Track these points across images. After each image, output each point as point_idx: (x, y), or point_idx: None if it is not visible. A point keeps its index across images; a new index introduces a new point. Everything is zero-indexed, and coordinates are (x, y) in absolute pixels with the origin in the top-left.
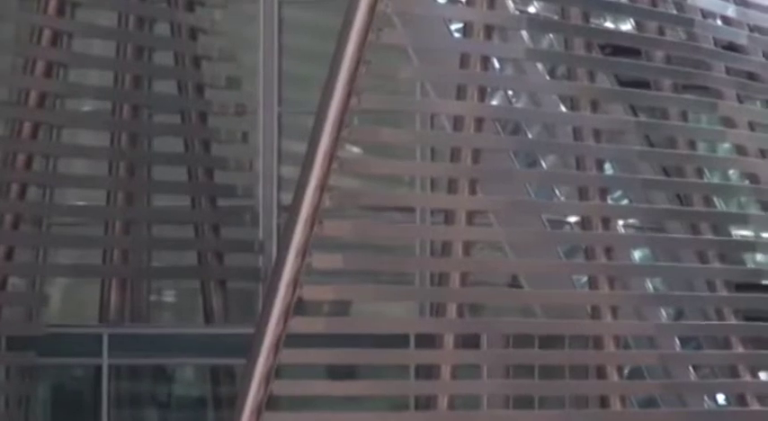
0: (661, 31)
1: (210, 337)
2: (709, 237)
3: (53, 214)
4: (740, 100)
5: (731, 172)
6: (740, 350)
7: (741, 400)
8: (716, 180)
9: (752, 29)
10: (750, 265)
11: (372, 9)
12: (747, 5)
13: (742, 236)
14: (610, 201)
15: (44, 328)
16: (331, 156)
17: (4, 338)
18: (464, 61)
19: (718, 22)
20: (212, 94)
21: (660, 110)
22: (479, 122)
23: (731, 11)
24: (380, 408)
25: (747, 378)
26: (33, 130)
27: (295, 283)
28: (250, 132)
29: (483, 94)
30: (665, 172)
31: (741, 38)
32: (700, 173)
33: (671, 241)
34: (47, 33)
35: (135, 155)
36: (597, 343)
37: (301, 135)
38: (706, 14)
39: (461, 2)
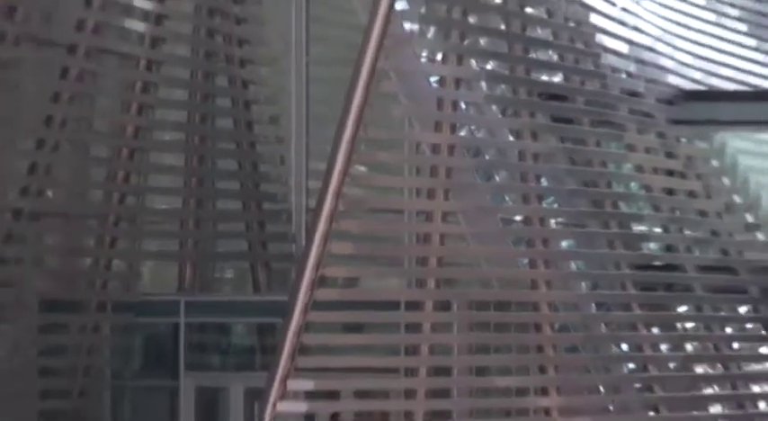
0: (582, 82)
1: (257, 303)
2: (616, 231)
3: (144, 215)
4: (639, 132)
5: (632, 184)
6: (638, 312)
7: (639, 349)
8: (621, 190)
9: (648, 81)
10: (645, 251)
11: (374, 66)
12: (644, 64)
13: (639, 230)
14: (545, 205)
15: (139, 295)
16: (344, 173)
17: (110, 304)
18: (440, 103)
19: (624, 75)
20: (259, 128)
21: (581, 139)
22: (451, 148)
23: (633, 67)
24: (380, 354)
25: (644, 332)
26: (130, 154)
27: (318, 264)
28: (286, 155)
29: (453, 128)
30: (585, 184)
31: (639, 87)
32: (609, 185)
33: (589, 234)
34: (139, 84)
35: (203, 171)
36: (536, 307)
37: (323, 157)
38: (615, 70)
39: (438, 60)
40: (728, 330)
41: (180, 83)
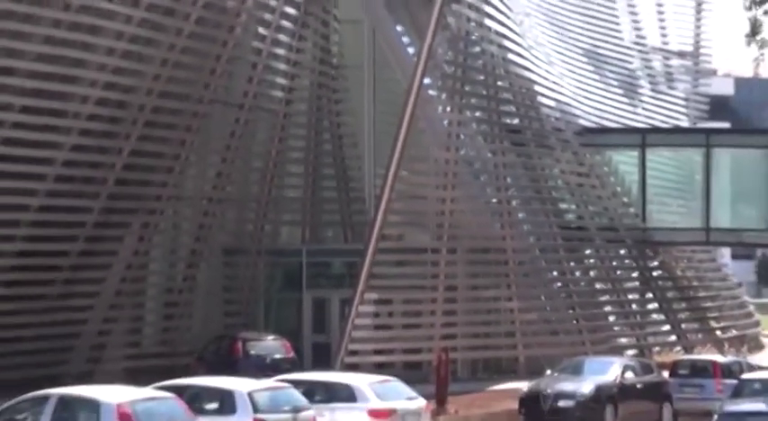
0: (529, 122)
1: (347, 249)
2: (549, 207)
3: (281, 202)
4: (562, 151)
5: (559, 181)
6: (562, 253)
7: (563, 273)
8: (552, 184)
9: (566, 122)
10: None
11: (413, 115)
12: (564, 112)
13: (563, 206)
14: (509, 193)
15: (280, 245)
16: (395, 175)
17: (263, 251)
18: (449, 135)
19: (553, 119)
20: (347, 151)
21: (529, 155)
22: (455, 161)
23: (558, 114)
24: (413, 279)
25: (566, 264)
26: (275, 164)
27: (381, 227)
28: (362, 166)
29: (457, 149)
30: (532, 180)
31: (562, 125)
32: (546, 180)
33: (534, 209)
34: (279, 126)
35: (315, 175)
36: (504, 251)
37: (383, 166)
38: (548, 115)
39: (447, 111)
40: (614, 263)
41: (302, 124)
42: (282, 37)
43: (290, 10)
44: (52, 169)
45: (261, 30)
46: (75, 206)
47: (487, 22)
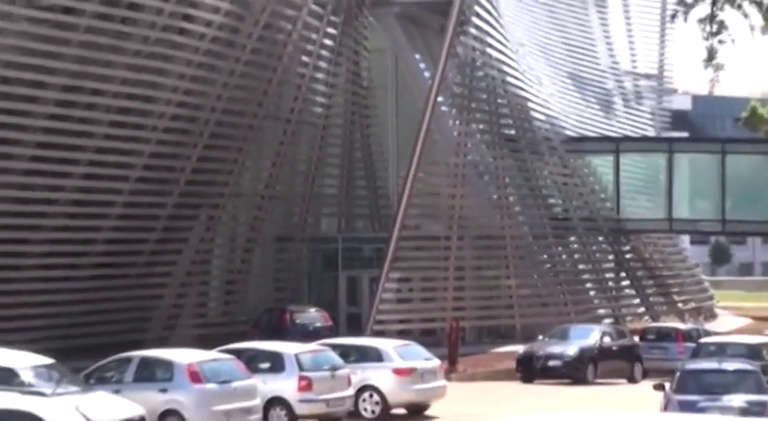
0: (524, 133)
1: (376, 237)
2: (540, 201)
3: (323, 198)
4: (550, 156)
5: (548, 180)
6: (551, 239)
7: (552, 257)
8: (542, 182)
9: (554, 132)
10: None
11: (429, 126)
12: (552, 124)
13: (551, 201)
14: (507, 190)
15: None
16: (414, 176)
17: (306, 238)
18: (458, 143)
19: (543, 129)
20: (375, 154)
21: (523, 159)
22: (463, 164)
23: (547, 125)
24: (429, 260)
25: (554, 249)
26: (316, 167)
27: (403, 218)
28: (387, 167)
29: (465, 154)
30: (526, 180)
31: (551, 135)
32: (537, 180)
33: (528, 204)
34: (319, 136)
35: (348, 175)
36: (503, 237)
37: (404, 168)
38: (539, 127)
39: (457, 124)
40: (593, 248)
41: (338, 135)
42: (322, 64)
43: (328, 41)
44: (134, 172)
45: (304, 58)
46: (153, 202)
47: (489, 50)
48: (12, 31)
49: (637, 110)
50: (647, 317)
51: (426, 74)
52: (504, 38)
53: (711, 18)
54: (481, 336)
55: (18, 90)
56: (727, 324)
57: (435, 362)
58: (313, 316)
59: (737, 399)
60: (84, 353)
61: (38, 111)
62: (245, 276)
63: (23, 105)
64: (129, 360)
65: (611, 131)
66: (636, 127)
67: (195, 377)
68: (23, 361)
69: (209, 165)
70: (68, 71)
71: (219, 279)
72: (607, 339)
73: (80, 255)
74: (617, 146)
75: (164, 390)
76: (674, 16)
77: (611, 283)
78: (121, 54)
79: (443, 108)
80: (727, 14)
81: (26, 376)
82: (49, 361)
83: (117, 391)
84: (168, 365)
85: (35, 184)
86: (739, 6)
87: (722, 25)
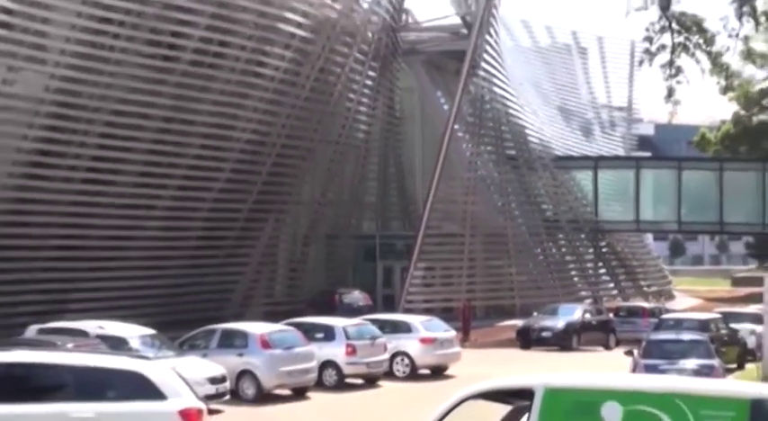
0: (522, 153)
1: (405, 234)
2: (535, 207)
3: (360, 205)
4: (543, 171)
5: (542, 191)
6: (544, 236)
7: (544, 251)
8: (538, 192)
9: (546, 152)
10: (546, 215)
11: (448, 148)
12: (544, 146)
13: (544, 207)
14: (510, 198)
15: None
16: (437, 186)
17: (352, 236)
18: (470, 161)
19: (537, 149)
20: (407, 169)
21: (522, 174)
22: (473, 178)
23: (540, 146)
24: (449, 254)
25: (546, 244)
26: (358, 181)
27: (428, 220)
28: (415, 180)
29: (475, 170)
30: (524, 190)
31: (543, 154)
32: (533, 190)
33: (526, 210)
34: (362, 156)
35: (382, 190)
36: (506, 235)
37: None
38: (534, 148)
39: (469, 146)
40: (577, 243)
41: (376, 154)
42: (363, 99)
43: (369, 82)
44: (218, 184)
45: (350, 95)
46: (232, 208)
47: (495, 88)
48: (123, 75)
49: (611, 135)
50: (619, 298)
51: (445, 107)
52: (507, 78)
53: (671, 63)
54: (488, 313)
55: (128, 120)
56: (683, 303)
57: (452, 333)
58: (356, 296)
59: (691, 363)
60: (178, 325)
61: (143, 137)
62: (303, 265)
63: (132, 132)
64: (213, 331)
65: (591, 152)
66: (610, 148)
67: (265, 344)
68: (132, 331)
69: (276, 179)
70: (166, 105)
71: (284, 267)
72: (588, 315)
73: (175, 249)
74: (595, 163)
75: (240, 355)
76: (641, 62)
77: (590, 271)
78: (208, 93)
79: (459, 134)
80: (683, 61)
81: (134, 343)
82: (151, 331)
83: (204, 356)
84: (244, 335)
85: (141, 193)
86: (693, 54)
87: (679, 69)
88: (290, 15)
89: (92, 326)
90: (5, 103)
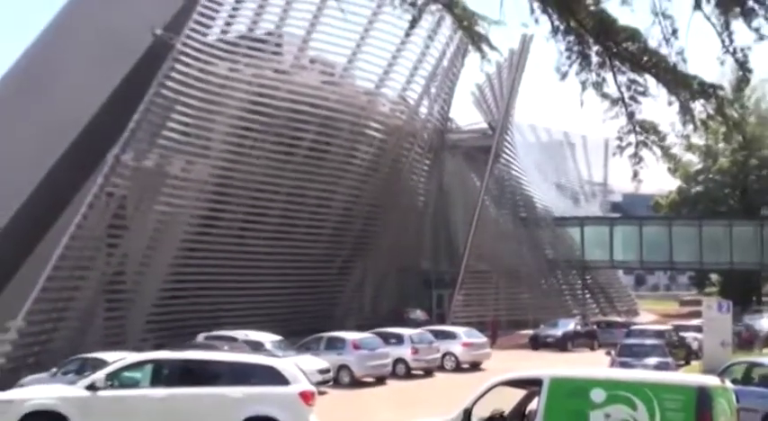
0: (530, 215)
1: (452, 271)
2: (540, 252)
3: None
4: (546, 228)
5: (545, 241)
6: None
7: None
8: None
9: (546, 213)
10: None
11: (480, 213)
12: (546, 209)
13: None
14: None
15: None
16: (474, 233)
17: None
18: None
19: (540, 212)
20: (453, 226)
21: (531, 231)
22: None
23: (542, 209)
24: (478, 281)
25: None
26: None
27: (468, 257)
28: (459, 242)
29: (499, 228)
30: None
31: (543, 214)
32: (540, 241)
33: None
34: (419, 217)
35: (435, 240)
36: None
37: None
38: (537, 212)
39: (493, 210)
40: (569, 276)
41: (431, 216)
42: (422, 178)
43: (425, 167)
44: (324, 237)
45: (413, 176)
46: (334, 252)
47: (511, 171)
48: (260, 164)
49: (592, 202)
50: (600, 315)
51: (477, 183)
52: (519, 164)
53: (635, 154)
54: (509, 326)
55: (264, 195)
56: (645, 318)
57: (484, 340)
58: (418, 314)
59: (652, 360)
60: (297, 334)
61: (275, 205)
62: (382, 292)
63: (267, 202)
64: (321, 338)
65: (578, 214)
66: (592, 211)
67: (357, 346)
68: (267, 338)
69: (363, 233)
70: (290, 184)
71: (369, 294)
72: (578, 327)
73: (295, 282)
74: (581, 222)
75: (340, 354)
76: (614, 153)
77: (579, 296)
78: (317, 175)
79: (486, 202)
80: (644, 152)
81: (268, 346)
82: (278, 338)
83: (315, 355)
84: (342, 340)
85: (275, 244)
86: (650, 148)
87: (641, 158)
88: (372, 124)
89: (240, 334)
90: (183, 184)
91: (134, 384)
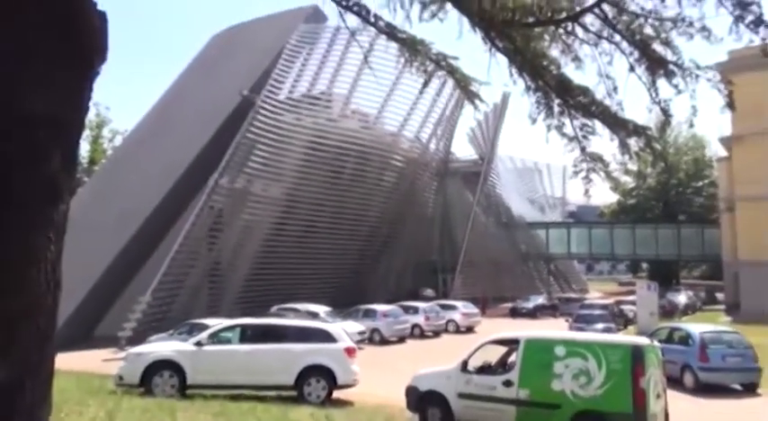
0: (511, 220)
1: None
2: (518, 247)
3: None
4: (521, 231)
5: (520, 240)
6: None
7: None
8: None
9: (522, 220)
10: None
11: (473, 223)
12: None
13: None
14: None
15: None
16: (465, 250)
17: (425, 263)
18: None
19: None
20: (456, 240)
21: (510, 232)
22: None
23: (519, 218)
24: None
25: None
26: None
27: (462, 264)
28: (458, 245)
29: (486, 231)
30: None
31: (519, 220)
32: (516, 239)
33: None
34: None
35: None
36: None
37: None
38: (515, 222)
39: (481, 211)
40: (539, 266)
41: (438, 225)
42: (430, 196)
43: (433, 187)
44: (360, 238)
45: (425, 194)
46: (368, 249)
47: (496, 190)
48: (314, 187)
49: (554, 211)
50: (560, 293)
51: (471, 198)
52: (501, 185)
53: (586, 177)
54: (495, 301)
55: (316, 208)
56: (594, 295)
57: (477, 310)
58: (429, 292)
59: (599, 326)
60: (342, 306)
61: (324, 219)
62: (403, 277)
63: (317, 215)
64: (359, 309)
65: (544, 220)
66: (554, 218)
67: (385, 315)
68: (320, 309)
69: (389, 235)
70: (336, 203)
71: (393, 278)
72: (545, 301)
73: (341, 269)
74: (547, 226)
75: (372, 320)
76: (570, 177)
77: (545, 279)
78: (354, 195)
79: (478, 211)
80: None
81: (322, 315)
82: (329, 309)
83: (355, 321)
84: (374, 311)
85: (328, 244)
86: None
87: (591, 180)
88: (395, 157)
89: (302, 306)
90: (262, 200)
91: (227, 341)
